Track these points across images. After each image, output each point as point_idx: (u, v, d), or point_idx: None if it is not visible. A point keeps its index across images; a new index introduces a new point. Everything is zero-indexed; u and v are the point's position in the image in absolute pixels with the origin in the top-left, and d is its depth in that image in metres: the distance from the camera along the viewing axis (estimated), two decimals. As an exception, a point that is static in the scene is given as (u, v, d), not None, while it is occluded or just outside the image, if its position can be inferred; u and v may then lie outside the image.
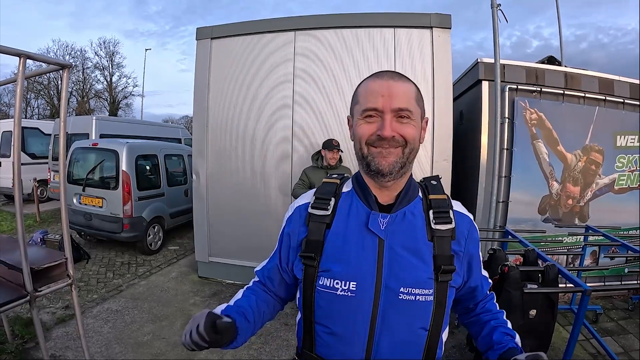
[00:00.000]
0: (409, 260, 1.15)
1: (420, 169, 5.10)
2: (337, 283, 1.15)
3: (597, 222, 5.11)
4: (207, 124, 5.78)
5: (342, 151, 4.75)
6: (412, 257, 1.15)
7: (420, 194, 1.27)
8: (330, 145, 4.59)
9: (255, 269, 1.49)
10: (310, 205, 1.28)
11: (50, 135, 11.41)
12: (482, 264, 1.38)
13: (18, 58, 2.54)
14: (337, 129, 5.31)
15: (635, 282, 5.46)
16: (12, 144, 11.38)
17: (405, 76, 1.20)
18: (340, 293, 1.15)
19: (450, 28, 5.05)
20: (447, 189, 5.05)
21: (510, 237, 4.20)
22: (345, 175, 1.38)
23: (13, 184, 11.19)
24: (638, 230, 5.65)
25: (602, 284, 5.56)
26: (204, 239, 6.00)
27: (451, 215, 1.22)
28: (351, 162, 5.11)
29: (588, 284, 4.08)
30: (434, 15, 5.01)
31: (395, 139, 1.13)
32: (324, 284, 1.17)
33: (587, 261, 5.47)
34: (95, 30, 75.21)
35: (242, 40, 5.60)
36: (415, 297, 1.13)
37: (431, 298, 1.15)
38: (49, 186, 10.96)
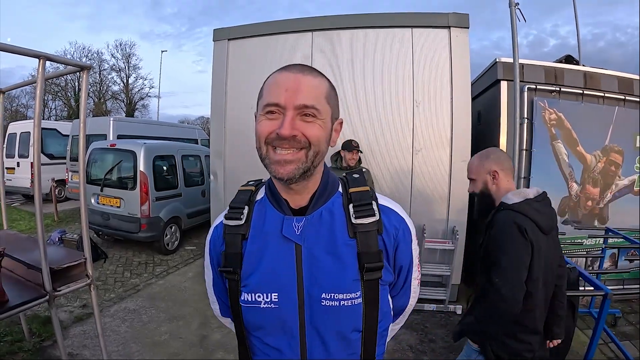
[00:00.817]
0: (329, 264, 1.08)
1: (438, 171, 5.09)
2: (259, 296, 1.09)
3: (616, 224, 5.05)
4: (224, 125, 5.81)
5: (361, 152, 4.75)
6: (333, 260, 1.08)
7: (340, 189, 1.18)
8: (350, 146, 4.60)
9: (215, 312, 1.39)
10: (224, 216, 1.19)
11: (68, 136, 11.60)
12: (415, 280, 1.26)
13: (37, 60, 2.56)
14: (355, 130, 5.31)
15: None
16: (31, 144, 11.59)
17: (318, 71, 1.08)
18: (264, 306, 1.09)
19: (468, 27, 5.02)
20: (465, 191, 5.03)
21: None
22: (262, 180, 1.28)
23: (32, 183, 11.41)
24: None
25: (622, 287, 5.47)
26: (221, 240, 5.98)
27: (374, 207, 1.11)
28: (372, 163, 5.13)
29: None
30: (452, 14, 4.98)
31: (297, 139, 1.01)
32: (245, 299, 1.10)
33: (606, 264, 5.39)
34: (112, 32, 76.50)
35: (259, 41, 5.62)
36: (340, 303, 1.06)
37: (359, 300, 1.08)
38: (67, 186, 11.10)
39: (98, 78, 38.35)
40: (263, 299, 1.08)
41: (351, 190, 1.14)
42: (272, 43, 5.55)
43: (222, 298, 1.29)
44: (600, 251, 5.02)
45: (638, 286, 5.46)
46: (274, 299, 1.08)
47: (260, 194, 1.20)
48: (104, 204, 7.37)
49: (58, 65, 2.98)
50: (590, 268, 5.36)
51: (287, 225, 1.10)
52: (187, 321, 4.75)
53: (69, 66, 3.08)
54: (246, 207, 1.16)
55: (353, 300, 1.06)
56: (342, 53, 5.32)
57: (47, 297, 2.72)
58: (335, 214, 1.12)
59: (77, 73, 3.12)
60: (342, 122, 1.17)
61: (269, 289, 1.08)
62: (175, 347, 4.18)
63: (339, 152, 4.75)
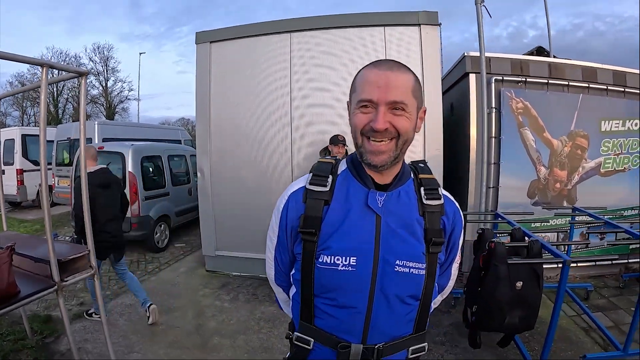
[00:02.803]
0: (404, 236, 1.22)
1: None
2: (338, 259, 1.20)
3: (584, 204, 5.29)
4: (209, 124, 6.03)
5: (347, 146, 4.97)
6: (407, 233, 1.23)
7: (412, 175, 1.33)
8: (336, 140, 4.90)
9: (269, 277, 1.53)
10: (308, 182, 1.30)
11: (52, 141, 11.57)
12: (455, 263, 1.45)
13: (41, 67, 2.75)
14: (335, 124, 5.55)
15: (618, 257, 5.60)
16: (16, 152, 11.60)
17: (404, 66, 1.20)
18: (342, 268, 1.20)
19: (438, 25, 5.30)
20: (440, 177, 5.30)
21: (500, 219, 4.47)
22: (337, 157, 1.44)
23: (18, 190, 11.39)
24: (629, 211, 5.93)
25: (594, 264, 5.78)
26: (211, 234, 6.23)
27: (440, 193, 1.30)
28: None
29: (579, 265, 4.17)
30: (422, 13, 5.26)
31: (388, 130, 1.14)
32: (324, 261, 1.22)
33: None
34: (91, 34, 74.95)
35: (240, 42, 5.86)
36: (410, 270, 1.21)
37: (423, 272, 1.23)
38: (54, 191, 11.12)
39: (77, 83, 37.83)
40: (342, 262, 1.21)
41: (421, 176, 1.33)
42: (253, 45, 5.79)
43: (282, 263, 1.43)
44: (568, 228, 5.32)
45: (610, 262, 5.78)
46: (352, 262, 1.20)
47: (341, 168, 1.35)
48: (94, 206, 7.44)
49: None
50: (562, 243, 5.66)
51: (372, 198, 1.24)
52: (182, 312, 4.93)
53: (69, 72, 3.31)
54: (330, 177, 1.30)
55: (419, 270, 1.23)
56: (320, 52, 5.57)
57: (56, 287, 2.88)
58: (410, 194, 1.28)
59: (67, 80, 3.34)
60: (425, 110, 1.30)
61: (348, 252, 1.21)
62: (173, 335, 4.36)
63: (327, 147, 5.05)
